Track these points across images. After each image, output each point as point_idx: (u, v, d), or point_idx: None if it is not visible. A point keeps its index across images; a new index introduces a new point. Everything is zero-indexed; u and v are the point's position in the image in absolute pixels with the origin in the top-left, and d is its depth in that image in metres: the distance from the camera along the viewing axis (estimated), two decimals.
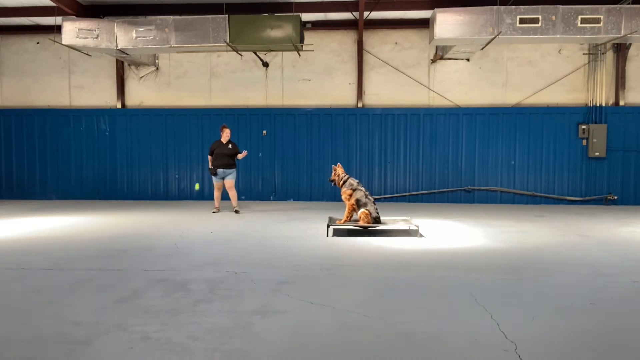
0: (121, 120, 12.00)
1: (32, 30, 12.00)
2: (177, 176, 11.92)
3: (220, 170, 9.49)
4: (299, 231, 7.50)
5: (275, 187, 11.80)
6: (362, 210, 7.27)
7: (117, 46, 9.67)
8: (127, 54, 10.41)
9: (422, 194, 11.56)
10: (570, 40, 9.39)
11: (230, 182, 9.59)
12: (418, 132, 11.49)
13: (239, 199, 11.78)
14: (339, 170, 7.78)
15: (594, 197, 11.24)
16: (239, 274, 4.92)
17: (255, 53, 11.22)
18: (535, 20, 8.95)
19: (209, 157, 9.66)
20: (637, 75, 11.28)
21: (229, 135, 9.63)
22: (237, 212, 9.57)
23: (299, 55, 11.11)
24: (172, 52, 10.63)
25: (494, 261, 5.54)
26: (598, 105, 11.18)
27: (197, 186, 10.47)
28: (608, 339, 3.31)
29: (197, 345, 3.16)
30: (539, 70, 11.43)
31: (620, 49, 11.14)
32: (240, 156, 9.64)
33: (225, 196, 10.02)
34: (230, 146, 9.59)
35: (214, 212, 9.56)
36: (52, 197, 12.11)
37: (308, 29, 11.24)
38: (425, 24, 10.99)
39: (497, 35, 9.01)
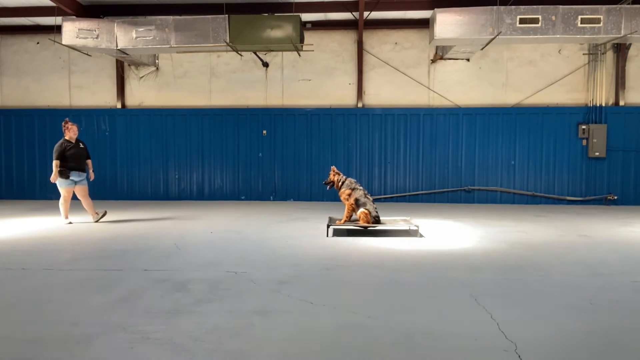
0: (121, 120, 12.00)
1: (32, 30, 12.00)
2: (177, 176, 11.92)
3: (75, 173, 7.94)
4: (299, 231, 7.49)
5: (275, 187, 11.79)
6: (361, 209, 7.27)
7: (117, 46, 9.68)
8: (127, 54, 10.41)
9: (422, 194, 11.56)
10: (570, 40, 9.39)
11: (84, 188, 8.14)
12: (418, 132, 11.49)
13: (239, 199, 11.79)
14: (336, 172, 7.77)
15: (594, 197, 11.24)
16: (239, 274, 4.92)
17: (255, 53, 11.22)
18: (535, 20, 8.95)
19: (56, 162, 7.89)
20: (637, 75, 11.28)
21: (76, 132, 8.14)
22: (97, 221, 8.25)
23: (299, 55, 11.11)
24: (172, 52, 10.63)
25: (494, 261, 5.54)
26: (598, 105, 11.18)
27: None
28: (608, 339, 3.31)
29: (197, 345, 3.16)
30: (539, 71, 11.43)
31: (620, 49, 11.14)
32: (91, 174, 8.26)
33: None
34: (82, 145, 8.16)
35: (70, 223, 8.07)
36: (52, 197, 12.10)
37: (308, 29, 11.25)
38: (425, 24, 10.99)
39: (497, 35, 9.01)
